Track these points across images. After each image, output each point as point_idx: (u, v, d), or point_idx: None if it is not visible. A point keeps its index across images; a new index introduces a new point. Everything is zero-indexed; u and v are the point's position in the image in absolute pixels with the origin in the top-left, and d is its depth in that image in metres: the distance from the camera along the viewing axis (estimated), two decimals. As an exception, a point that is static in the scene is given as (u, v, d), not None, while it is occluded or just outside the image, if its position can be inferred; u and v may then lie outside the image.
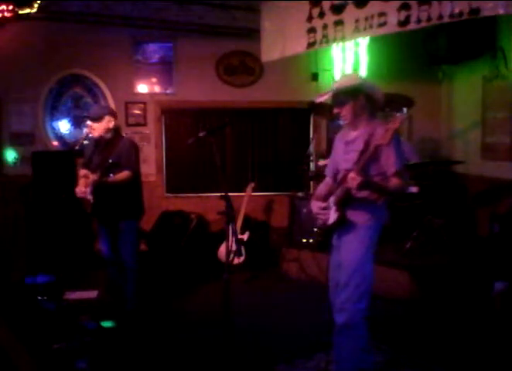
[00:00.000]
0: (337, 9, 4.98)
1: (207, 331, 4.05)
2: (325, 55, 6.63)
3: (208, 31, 6.55)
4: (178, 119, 6.96)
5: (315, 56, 6.58)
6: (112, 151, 4.16)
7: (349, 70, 6.31)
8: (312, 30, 5.29)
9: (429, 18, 4.17)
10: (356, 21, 4.78)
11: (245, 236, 5.92)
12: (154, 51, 6.72)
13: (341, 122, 3.30)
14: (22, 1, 5.78)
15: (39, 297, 4.62)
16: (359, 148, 2.96)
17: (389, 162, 2.93)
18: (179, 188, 7.01)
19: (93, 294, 4.96)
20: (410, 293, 4.67)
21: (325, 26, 5.13)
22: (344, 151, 3.13)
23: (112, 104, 6.48)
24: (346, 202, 3.00)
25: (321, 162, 6.04)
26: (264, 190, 6.90)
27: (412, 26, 4.32)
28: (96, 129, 4.21)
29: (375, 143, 2.82)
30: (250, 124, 7.01)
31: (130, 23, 6.43)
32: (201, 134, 3.37)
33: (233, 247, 3.13)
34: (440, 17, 4.10)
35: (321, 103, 5.92)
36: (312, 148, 6.47)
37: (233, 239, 3.09)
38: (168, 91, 6.79)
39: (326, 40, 5.18)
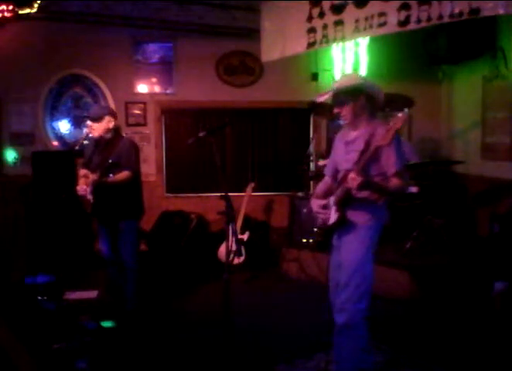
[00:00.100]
0: (337, 9, 4.98)
1: (207, 331, 4.05)
2: (325, 55, 6.63)
3: (208, 31, 6.55)
4: (178, 119, 6.96)
5: (315, 56, 6.58)
6: (112, 151, 4.16)
7: (349, 70, 6.31)
8: (312, 30, 5.28)
9: (429, 18, 4.17)
10: (356, 21, 4.78)
11: (245, 236, 5.92)
12: (154, 51, 6.72)
13: (341, 122, 3.30)
14: (22, 1, 5.78)
15: (39, 297, 4.62)
16: (359, 148, 2.96)
17: (389, 163, 2.93)
18: (179, 188, 7.01)
19: (93, 294, 4.96)
20: (410, 293, 4.67)
21: (325, 26, 5.13)
22: (344, 151, 3.13)
23: (112, 104, 6.48)
24: (347, 202, 3.00)
25: (321, 162, 6.03)
26: (264, 190, 6.90)
27: (412, 26, 4.32)
28: (96, 129, 4.21)
29: (376, 144, 2.82)
30: (250, 124, 7.01)
31: (130, 23, 6.43)
32: (201, 134, 3.37)
33: (233, 247, 3.13)
34: (440, 17, 4.10)
35: (321, 103, 5.94)
36: (312, 148, 6.47)
37: (233, 239, 3.09)
38: (168, 91, 6.79)
39: (326, 40, 5.18)
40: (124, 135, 4.45)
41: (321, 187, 3.36)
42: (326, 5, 5.10)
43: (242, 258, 5.61)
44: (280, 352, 3.76)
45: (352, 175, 2.82)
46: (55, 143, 6.70)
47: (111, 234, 4.34)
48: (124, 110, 6.69)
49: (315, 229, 3.29)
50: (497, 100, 5.81)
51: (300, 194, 6.12)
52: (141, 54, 6.70)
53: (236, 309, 3.28)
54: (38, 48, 6.42)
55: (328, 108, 5.71)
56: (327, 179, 3.36)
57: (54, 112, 6.68)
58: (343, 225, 3.04)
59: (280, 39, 5.73)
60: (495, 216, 5.23)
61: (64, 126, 6.72)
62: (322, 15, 5.16)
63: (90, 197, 4.16)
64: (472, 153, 6.21)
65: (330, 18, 5.06)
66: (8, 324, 4.18)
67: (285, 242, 6.14)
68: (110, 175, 4.04)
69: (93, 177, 4.14)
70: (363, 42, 6.25)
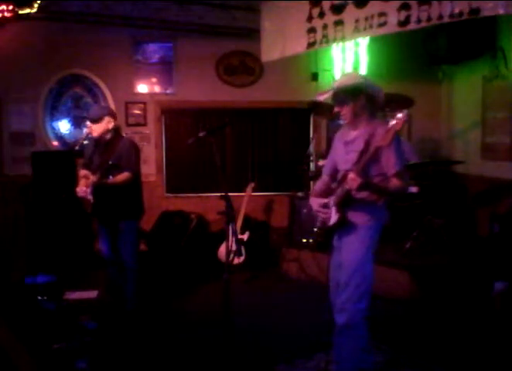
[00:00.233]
0: (337, 9, 4.98)
1: (207, 331, 4.05)
2: (325, 55, 6.63)
3: (208, 31, 6.55)
4: (178, 119, 6.96)
5: (315, 56, 6.57)
6: (112, 151, 4.16)
7: (349, 70, 6.31)
8: (312, 30, 5.28)
9: (429, 18, 4.17)
10: (356, 21, 4.78)
11: (245, 236, 5.92)
12: (154, 51, 6.72)
13: (341, 121, 3.30)
14: (22, 1, 5.78)
15: (39, 297, 4.62)
16: (359, 148, 2.96)
17: (389, 163, 2.93)
18: (179, 188, 7.01)
19: (93, 294, 4.96)
20: (410, 293, 4.67)
21: (325, 26, 5.13)
22: (344, 151, 3.12)
23: (112, 104, 6.48)
24: (347, 203, 3.00)
25: (321, 162, 6.02)
26: (264, 190, 6.89)
27: (412, 26, 4.32)
28: (95, 130, 4.21)
29: (375, 144, 2.82)
30: (250, 124, 7.01)
31: (130, 23, 6.43)
32: (201, 134, 3.37)
33: (233, 247, 3.13)
34: (440, 17, 4.10)
35: (321, 103, 5.95)
36: (312, 148, 6.47)
37: (233, 239, 3.09)
38: (168, 91, 6.79)
39: (326, 40, 5.18)
40: (124, 135, 4.45)
41: (319, 186, 3.36)
42: (326, 5, 5.10)
43: (242, 258, 5.61)
44: (280, 352, 3.76)
45: (351, 175, 2.82)
46: (55, 143, 6.69)
47: (111, 234, 4.34)
48: (124, 110, 6.69)
49: (315, 229, 3.28)
50: (497, 100, 5.81)
51: (300, 194, 6.12)
52: (141, 54, 6.69)
53: (236, 309, 3.28)
54: (38, 48, 6.42)
55: (328, 108, 5.73)
56: (325, 178, 3.35)
57: (54, 112, 6.67)
58: (344, 225, 3.04)
59: (280, 39, 5.73)
60: (495, 216, 5.23)
61: (64, 126, 6.71)
62: (322, 15, 5.16)
63: (90, 197, 4.16)
64: (472, 153, 6.21)
65: (330, 18, 5.06)
66: (8, 324, 4.18)
67: (285, 242, 6.14)
68: (110, 176, 4.04)
69: (93, 178, 4.14)
70: (363, 42, 6.26)
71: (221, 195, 3.13)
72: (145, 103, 6.78)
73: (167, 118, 6.93)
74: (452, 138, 6.75)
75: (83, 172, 4.33)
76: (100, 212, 4.27)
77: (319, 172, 5.73)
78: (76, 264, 5.66)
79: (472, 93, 6.24)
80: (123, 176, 4.13)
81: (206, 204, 6.52)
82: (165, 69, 6.76)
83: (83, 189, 4.15)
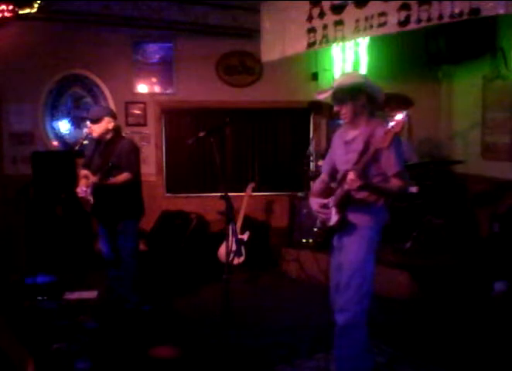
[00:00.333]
0: (337, 9, 4.98)
1: (207, 331, 4.05)
2: (325, 55, 6.63)
3: (208, 31, 6.54)
4: (178, 119, 6.95)
5: (315, 55, 6.57)
6: (112, 152, 4.17)
7: (349, 70, 6.31)
8: (312, 30, 5.28)
9: (429, 18, 4.17)
10: (357, 21, 4.78)
11: (245, 236, 5.91)
12: (154, 51, 6.71)
13: (341, 121, 3.29)
14: (22, 1, 5.78)
15: (39, 297, 4.62)
16: (358, 148, 2.96)
17: (389, 164, 2.93)
18: (179, 188, 7.01)
19: (93, 294, 4.95)
20: (410, 293, 4.67)
21: (325, 26, 5.13)
22: (343, 151, 3.11)
23: (112, 104, 6.48)
24: (347, 203, 2.99)
25: (321, 162, 6.01)
26: (264, 190, 6.90)
27: (412, 26, 4.32)
28: (95, 130, 4.22)
29: (375, 146, 2.81)
30: (250, 124, 7.01)
31: (130, 23, 6.43)
32: (201, 134, 3.38)
33: (233, 247, 3.13)
34: (440, 17, 4.10)
35: (321, 103, 5.96)
36: (312, 148, 6.47)
37: (233, 239, 3.09)
38: (168, 91, 6.79)
39: (326, 40, 5.18)
40: (124, 136, 4.45)
41: (318, 185, 3.35)
42: (326, 5, 5.09)
43: (242, 258, 5.61)
44: (280, 352, 3.76)
45: (351, 176, 2.81)
46: (55, 143, 6.69)
47: (111, 234, 4.34)
48: (124, 110, 6.69)
49: (315, 230, 3.28)
50: (497, 100, 5.81)
51: (300, 194, 6.12)
52: (141, 54, 6.69)
53: (236, 309, 3.28)
54: (38, 48, 6.42)
55: (328, 108, 5.74)
56: (324, 177, 3.34)
57: (54, 112, 6.67)
58: (344, 226, 3.04)
59: (280, 39, 5.72)
60: (495, 216, 5.23)
61: (64, 126, 6.71)
62: (322, 15, 5.16)
63: (90, 198, 4.17)
64: (472, 153, 6.20)
65: (330, 18, 5.06)
66: (8, 324, 4.18)
67: (285, 242, 6.14)
68: (110, 177, 4.05)
69: (93, 179, 4.14)
70: (363, 42, 6.25)
71: (221, 195, 3.13)
72: (145, 103, 6.78)
73: (167, 118, 6.93)
74: (452, 138, 6.75)
75: (83, 172, 4.33)
76: (100, 212, 4.27)
77: (318, 172, 5.74)
78: (76, 264, 5.66)
79: (472, 93, 6.24)
80: (123, 177, 4.13)
81: (206, 204, 6.52)
82: (165, 69, 6.75)
83: (83, 190, 4.16)
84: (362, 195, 2.95)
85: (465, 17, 3.94)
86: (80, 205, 4.33)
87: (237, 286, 4.95)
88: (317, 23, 5.22)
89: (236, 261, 5.47)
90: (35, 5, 5.80)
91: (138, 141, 5.91)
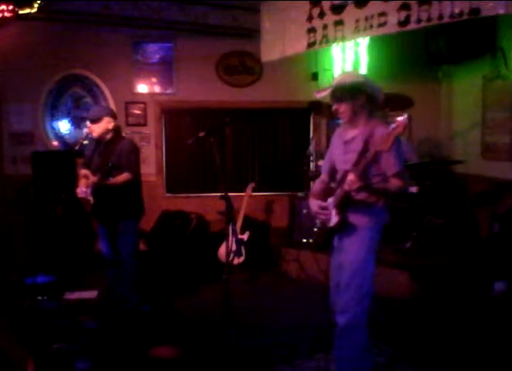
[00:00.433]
0: (337, 9, 4.98)
1: (207, 331, 4.05)
2: (325, 55, 6.63)
3: (208, 31, 6.54)
4: (178, 119, 6.95)
5: (315, 55, 6.57)
6: (112, 152, 4.17)
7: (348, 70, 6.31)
8: (312, 30, 5.28)
9: (429, 18, 4.17)
10: (357, 21, 4.78)
11: (245, 236, 5.91)
12: (154, 51, 6.71)
13: (340, 120, 3.28)
14: (22, 1, 5.78)
15: (39, 297, 4.62)
16: (357, 148, 2.94)
17: (389, 164, 2.92)
18: (179, 188, 7.01)
19: (93, 294, 4.95)
20: (410, 293, 4.67)
21: (325, 26, 5.13)
22: (343, 151, 3.10)
23: (112, 104, 6.48)
24: (346, 204, 2.98)
25: (321, 162, 6.00)
26: (264, 190, 6.90)
27: (412, 26, 4.32)
28: (95, 130, 4.22)
29: (375, 148, 2.78)
30: (250, 124, 7.01)
31: (130, 23, 6.43)
32: (201, 134, 3.38)
33: (233, 247, 3.13)
34: (440, 17, 4.10)
35: (321, 103, 5.96)
36: (312, 148, 6.47)
37: (233, 239, 3.09)
38: (168, 91, 6.79)
39: (326, 40, 5.18)
40: (124, 136, 4.45)
41: (318, 186, 3.34)
42: (326, 5, 5.09)
43: (242, 258, 5.61)
44: (280, 352, 3.76)
45: (351, 177, 2.80)
46: (55, 143, 6.69)
47: (111, 234, 4.34)
48: (124, 110, 6.69)
49: (315, 230, 3.28)
50: (497, 100, 5.81)
51: (300, 194, 6.12)
52: (141, 54, 6.69)
53: (236, 309, 3.28)
54: (38, 48, 6.42)
55: (328, 108, 5.73)
56: (323, 177, 3.33)
57: (54, 112, 6.67)
58: (344, 227, 3.03)
59: (280, 39, 5.72)
60: (495, 216, 5.23)
61: (64, 126, 6.71)
62: (322, 15, 5.16)
63: (90, 198, 4.17)
64: (472, 153, 6.20)
65: (330, 18, 5.06)
66: (8, 324, 4.18)
67: (285, 242, 6.14)
68: (110, 178, 4.05)
69: (93, 179, 4.14)
70: (363, 42, 6.25)
71: (221, 195, 3.14)
72: (145, 103, 6.78)
73: (167, 118, 6.93)
74: (452, 138, 6.75)
75: (83, 172, 4.33)
76: (100, 212, 4.28)
77: (318, 172, 5.74)
78: (76, 264, 5.66)
79: (472, 93, 6.24)
80: (123, 177, 4.13)
81: (206, 204, 6.52)
82: (165, 69, 6.75)
83: (82, 190, 4.16)
84: (362, 196, 2.95)
85: (465, 17, 3.94)
86: (80, 205, 4.33)
87: (237, 286, 4.95)
88: (317, 23, 5.22)
89: (236, 261, 5.47)
90: (35, 5, 5.80)
91: (138, 141, 5.90)
